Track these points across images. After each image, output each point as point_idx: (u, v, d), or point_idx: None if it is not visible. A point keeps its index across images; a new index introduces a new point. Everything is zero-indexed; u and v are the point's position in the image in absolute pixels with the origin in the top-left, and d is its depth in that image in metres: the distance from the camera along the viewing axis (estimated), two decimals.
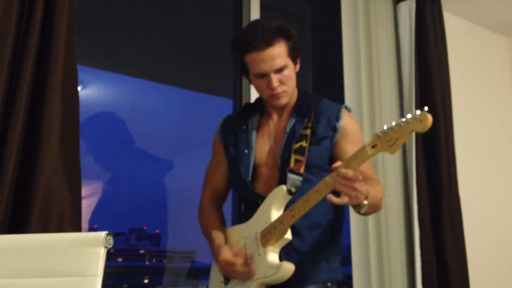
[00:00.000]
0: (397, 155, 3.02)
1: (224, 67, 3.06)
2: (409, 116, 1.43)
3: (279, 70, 1.74)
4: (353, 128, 1.83)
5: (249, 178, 1.82)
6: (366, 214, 1.70)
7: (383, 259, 2.81)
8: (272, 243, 1.68)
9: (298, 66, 1.84)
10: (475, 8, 3.64)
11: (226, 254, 1.73)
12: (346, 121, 1.81)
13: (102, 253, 1.37)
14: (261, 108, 1.93)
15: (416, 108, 3.03)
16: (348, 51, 3.11)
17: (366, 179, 1.62)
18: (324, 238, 1.79)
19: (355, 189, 1.49)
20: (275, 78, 1.74)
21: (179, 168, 3.02)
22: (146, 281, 2.91)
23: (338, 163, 1.53)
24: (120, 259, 2.87)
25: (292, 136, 1.78)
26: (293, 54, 1.78)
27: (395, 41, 3.19)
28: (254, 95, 2.74)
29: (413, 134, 2.99)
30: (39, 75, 1.89)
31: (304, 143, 1.76)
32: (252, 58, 1.74)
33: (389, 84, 3.08)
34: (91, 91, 2.68)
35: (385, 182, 2.92)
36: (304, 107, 1.83)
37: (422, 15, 3.15)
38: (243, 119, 1.92)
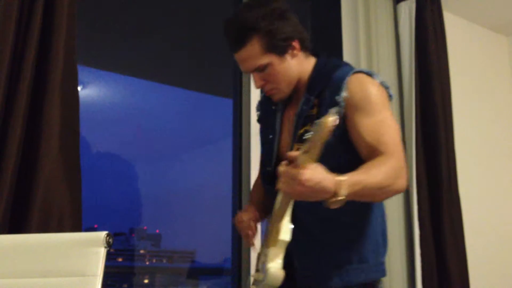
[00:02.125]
0: None
1: (224, 67, 3.06)
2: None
3: (259, 70, 1.56)
4: (363, 95, 1.48)
5: (269, 169, 1.63)
6: (369, 201, 1.46)
7: None
8: (272, 244, 1.48)
9: (296, 50, 1.58)
10: (475, 8, 3.64)
11: (240, 212, 1.69)
12: (352, 90, 1.48)
13: (102, 253, 1.37)
14: None
15: (416, 109, 3.03)
16: (348, 51, 3.11)
17: (373, 154, 1.40)
18: (342, 237, 1.56)
19: (295, 189, 1.23)
20: (257, 77, 1.58)
21: (179, 168, 3.02)
22: (146, 281, 2.91)
23: (291, 153, 1.24)
24: (120, 259, 2.87)
25: (299, 119, 1.55)
26: (277, 47, 1.53)
27: (395, 41, 3.19)
28: (254, 95, 2.74)
29: (413, 134, 2.99)
30: (39, 75, 1.89)
31: (309, 127, 1.38)
32: (235, 57, 1.60)
33: (389, 84, 3.07)
34: (91, 91, 2.68)
35: None
36: (316, 81, 1.57)
37: (422, 15, 3.15)
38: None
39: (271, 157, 1.64)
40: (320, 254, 1.57)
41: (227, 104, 2.95)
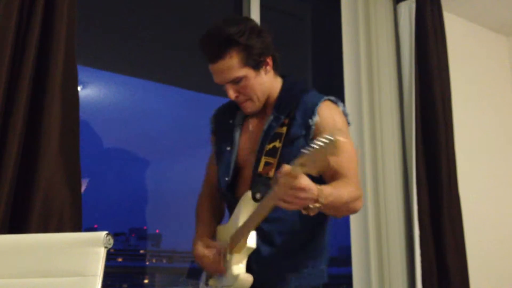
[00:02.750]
0: (397, 155, 3.02)
1: None
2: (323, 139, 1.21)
3: (234, 82, 1.65)
4: (330, 122, 1.63)
5: (227, 179, 1.73)
6: (332, 215, 1.61)
7: (383, 259, 2.81)
8: (236, 251, 1.60)
9: (269, 67, 1.70)
10: (475, 8, 3.64)
11: (199, 246, 1.71)
12: (323, 116, 1.63)
13: (102, 253, 1.37)
14: None
15: (416, 109, 3.03)
16: (348, 51, 3.11)
17: (339, 177, 1.54)
18: (300, 243, 1.68)
19: (298, 197, 1.33)
20: (231, 89, 1.66)
21: (180, 168, 3.01)
22: (146, 281, 2.90)
23: (284, 169, 1.32)
24: (120, 259, 2.87)
25: (267, 135, 1.66)
26: (253, 61, 1.63)
27: (395, 41, 3.19)
28: None
29: (413, 134, 2.99)
30: (39, 75, 1.89)
31: (277, 143, 1.62)
32: (209, 68, 1.67)
33: (389, 84, 3.08)
34: (91, 91, 2.68)
35: (385, 182, 2.92)
36: (284, 102, 1.70)
37: (422, 15, 3.15)
38: (230, 113, 1.83)
39: (229, 168, 1.74)
40: (279, 259, 1.66)
41: None
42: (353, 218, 2.90)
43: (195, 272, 3.09)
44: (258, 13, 2.91)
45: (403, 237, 2.92)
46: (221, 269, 1.63)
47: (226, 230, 1.70)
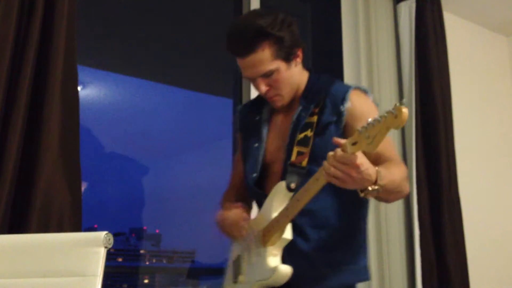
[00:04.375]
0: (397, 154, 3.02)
1: (224, 67, 3.06)
2: (386, 111, 1.23)
3: (266, 75, 1.61)
4: (364, 109, 1.60)
5: (255, 175, 1.70)
6: (384, 200, 1.57)
7: (383, 259, 2.81)
8: (271, 243, 1.56)
9: (299, 59, 1.68)
10: (475, 8, 3.64)
11: (221, 211, 1.71)
12: (354, 102, 1.60)
13: (102, 253, 1.37)
14: None
15: (416, 109, 3.03)
16: (348, 51, 3.11)
17: (383, 160, 1.50)
18: (337, 239, 1.63)
19: (350, 175, 1.32)
20: (262, 83, 1.62)
21: (180, 168, 3.02)
22: (146, 281, 2.91)
23: (339, 140, 1.33)
24: (120, 259, 2.87)
25: (297, 125, 1.63)
26: (284, 54, 1.61)
27: (395, 41, 3.19)
28: (254, 95, 2.73)
29: (413, 134, 2.99)
30: (39, 75, 1.89)
31: (309, 133, 1.59)
32: (238, 62, 1.63)
33: (389, 84, 3.08)
34: (91, 91, 2.68)
35: None
36: (312, 92, 1.67)
37: (422, 15, 3.15)
38: (256, 109, 1.80)
39: (257, 164, 1.71)
40: (315, 254, 1.61)
41: (227, 104, 2.95)
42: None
43: (195, 272, 3.09)
44: None
45: (403, 237, 2.92)
46: (241, 233, 1.60)
47: (255, 224, 1.64)
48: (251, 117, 1.80)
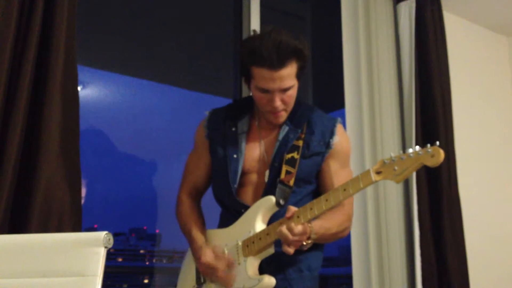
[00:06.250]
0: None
1: (224, 67, 3.06)
2: (418, 148, 1.41)
3: (285, 90, 1.70)
4: (345, 147, 1.81)
5: (236, 186, 1.76)
6: (323, 242, 1.75)
7: (383, 259, 2.81)
8: (253, 254, 1.64)
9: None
10: (475, 8, 3.64)
11: (209, 256, 1.68)
12: (340, 139, 1.78)
13: (102, 253, 1.36)
14: (251, 108, 1.87)
15: (416, 109, 3.03)
16: (348, 51, 3.11)
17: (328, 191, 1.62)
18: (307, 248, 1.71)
19: (298, 242, 1.54)
20: (278, 97, 1.70)
21: (180, 168, 3.01)
22: (146, 281, 2.91)
23: (291, 211, 1.57)
24: (120, 259, 2.87)
25: (285, 145, 1.75)
26: (300, 74, 1.73)
27: (395, 41, 3.19)
28: None
29: (413, 134, 2.99)
30: (39, 75, 1.89)
31: (295, 155, 1.72)
32: (261, 72, 1.66)
33: (389, 84, 3.08)
34: (91, 91, 2.68)
35: (385, 182, 2.92)
36: (298, 116, 1.79)
37: (422, 15, 3.15)
38: (232, 119, 1.86)
39: (236, 176, 1.77)
40: (289, 261, 1.72)
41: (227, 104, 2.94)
42: (353, 218, 2.90)
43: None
44: (258, 13, 2.91)
45: (403, 237, 2.92)
46: (232, 281, 1.66)
47: (229, 234, 1.72)
48: (227, 128, 1.85)
